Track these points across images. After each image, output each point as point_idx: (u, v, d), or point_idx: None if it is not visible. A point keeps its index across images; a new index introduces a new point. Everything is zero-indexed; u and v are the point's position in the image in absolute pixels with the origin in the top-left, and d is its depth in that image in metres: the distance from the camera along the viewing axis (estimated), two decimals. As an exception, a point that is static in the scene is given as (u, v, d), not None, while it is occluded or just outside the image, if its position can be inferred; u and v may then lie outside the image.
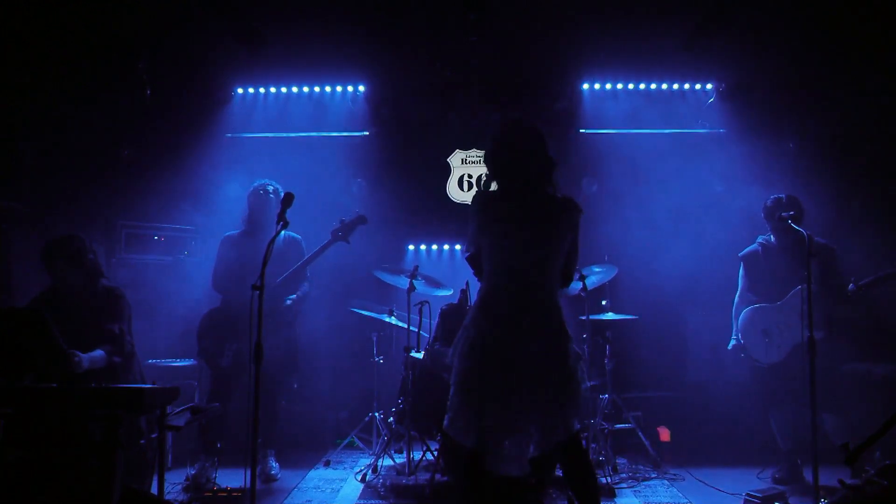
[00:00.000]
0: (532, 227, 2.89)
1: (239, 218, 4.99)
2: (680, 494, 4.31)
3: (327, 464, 5.11)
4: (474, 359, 2.82)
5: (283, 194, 4.76)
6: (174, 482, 4.39)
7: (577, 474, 2.87)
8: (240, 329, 4.48)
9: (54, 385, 3.09)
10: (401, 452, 5.07)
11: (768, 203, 4.60)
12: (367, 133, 6.54)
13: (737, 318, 4.77)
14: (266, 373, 3.45)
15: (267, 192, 4.80)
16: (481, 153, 6.59)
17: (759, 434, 4.88)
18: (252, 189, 4.87)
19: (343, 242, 4.77)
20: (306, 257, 4.67)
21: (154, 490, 3.46)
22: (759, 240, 4.73)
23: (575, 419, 2.83)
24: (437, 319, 4.65)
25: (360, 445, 5.43)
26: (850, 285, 4.33)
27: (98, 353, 3.67)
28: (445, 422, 2.86)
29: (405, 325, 5.01)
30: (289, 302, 4.61)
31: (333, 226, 4.66)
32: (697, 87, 6.43)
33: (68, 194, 5.78)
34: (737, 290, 4.83)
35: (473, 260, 3.05)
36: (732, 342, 4.76)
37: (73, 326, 3.67)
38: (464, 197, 6.54)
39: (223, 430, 4.60)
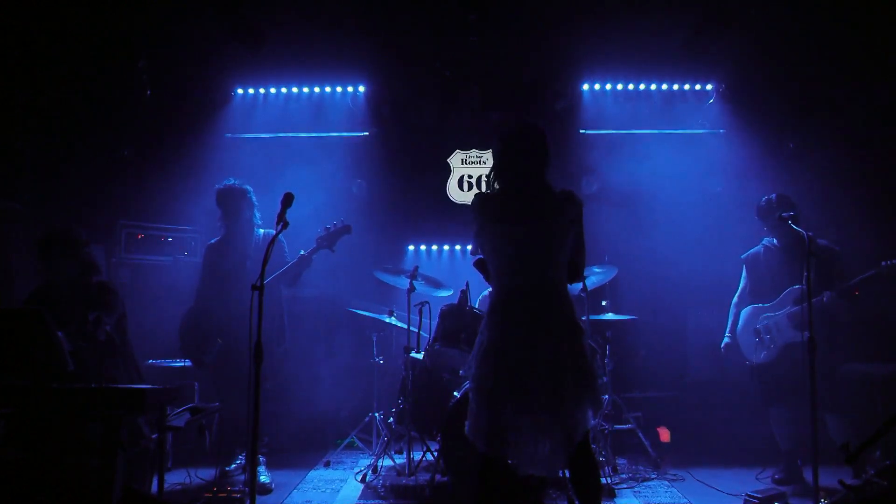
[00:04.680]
0: (533, 224, 2.87)
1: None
2: (680, 495, 4.31)
3: (327, 464, 5.11)
4: (489, 362, 2.81)
5: (249, 191, 4.79)
6: (174, 482, 4.39)
7: (581, 472, 2.86)
8: (223, 327, 4.48)
9: (54, 385, 3.09)
10: (401, 453, 5.07)
11: (761, 204, 4.61)
12: (367, 133, 6.54)
13: (732, 318, 4.79)
14: (243, 374, 3.40)
15: (231, 191, 4.72)
16: (481, 153, 6.59)
17: (759, 434, 4.88)
18: (216, 191, 4.77)
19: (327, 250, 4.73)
20: (290, 263, 4.60)
21: (154, 490, 3.46)
22: (764, 242, 4.72)
23: (592, 413, 2.82)
24: (437, 320, 4.64)
25: (360, 446, 5.43)
26: (826, 294, 4.30)
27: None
28: (466, 427, 2.85)
29: (405, 326, 5.00)
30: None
31: (318, 234, 4.63)
32: (697, 87, 6.44)
33: (68, 194, 5.79)
34: (737, 290, 4.86)
35: (481, 264, 3.04)
36: (725, 340, 4.80)
37: (62, 320, 3.67)
38: (464, 197, 6.54)
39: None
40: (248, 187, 4.78)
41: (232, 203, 4.71)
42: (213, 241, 4.90)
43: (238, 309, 3.60)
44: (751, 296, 4.73)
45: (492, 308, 2.91)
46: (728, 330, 4.80)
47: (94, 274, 4.06)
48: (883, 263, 4.17)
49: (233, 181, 4.76)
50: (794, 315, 4.41)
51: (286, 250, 4.74)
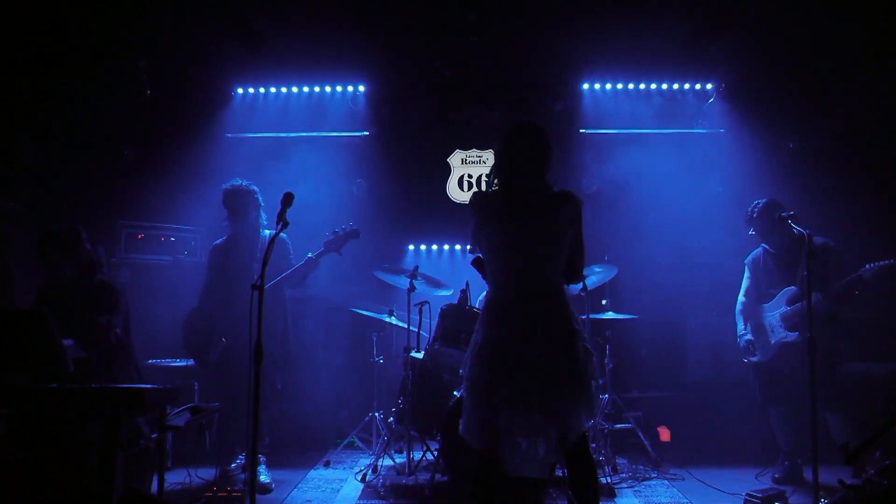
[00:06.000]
0: (531, 223, 2.86)
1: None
2: (680, 494, 4.31)
3: (327, 464, 5.11)
4: (483, 362, 2.80)
5: (256, 192, 4.78)
6: (174, 482, 4.39)
7: (580, 473, 2.85)
8: (228, 327, 4.47)
9: (54, 385, 3.09)
10: (401, 452, 5.07)
11: (749, 211, 4.62)
12: (367, 133, 6.53)
13: (742, 318, 4.76)
14: (246, 373, 3.39)
15: (238, 191, 4.72)
16: (481, 153, 6.59)
17: (759, 434, 4.89)
18: (222, 191, 4.76)
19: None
20: (295, 266, 4.60)
21: (154, 490, 3.46)
22: (763, 245, 4.73)
23: (586, 417, 2.82)
24: (437, 319, 4.64)
25: (360, 445, 5.43)
26: (814, 296, 4.28)
27: (67, 341, 3.63)
28: (460, 426, 2.85)
29: (405, 326, 5.00)
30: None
31: (326, 237, 4.64)
32: (697, 87, 6.43)
33: (68, 194, 5.79)
34: (739, 291, 4.86)
35: (479, 262, 3.04)
36: (747, 337, 4.69)
37: (66, 320, 3.68)
38: (464, 197, 6.53)
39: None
40: (255, 188, 4.78)
41: (239, 203, 4.71)
42: (218, 241, 4.90)
43: (244, 309, 3.61)
44: (754, 296, 4.74)
45: (487, 307, 2.90)
46: (742, 329, 4.73)
47: (97, 271, 4.06)
48: (868, 266, 4.18)
49: (240, 181, 4.76)
50: (787, 315, 4.45)
51: (291, 251, 4.74)
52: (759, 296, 4.70)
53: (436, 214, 6.52)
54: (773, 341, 4.51)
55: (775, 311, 4.53)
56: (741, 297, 4.81)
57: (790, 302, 4.45)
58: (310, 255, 4.59)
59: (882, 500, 3.08)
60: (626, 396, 5.44)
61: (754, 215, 4.57)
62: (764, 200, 4.55)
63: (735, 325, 4.81)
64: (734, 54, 5.83)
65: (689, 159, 6.22)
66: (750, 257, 4.80)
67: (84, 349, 3.75)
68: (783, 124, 6.10)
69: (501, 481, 2.81)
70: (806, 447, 3.94)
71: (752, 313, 4.68)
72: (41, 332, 3.28)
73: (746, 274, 4.81)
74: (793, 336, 4.38)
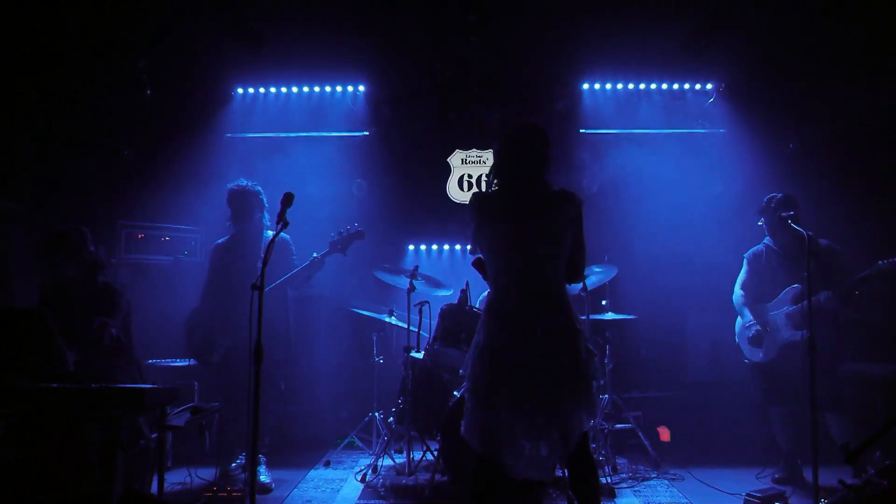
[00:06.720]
0: (531, 224, 2.85)
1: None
2: (680, 494, 4.31)
3: (327, 464, 5.11)
4: (485, 363, 2.80)
5: (261, 193, 4.78)
6: (174, 482, 4.39)
7: (580, 473, 2.85)
8: (230, 326, 4.47)
9: (54, 385, 3.09)
10: (401, 452, 5.07)
11: (764, 202, 4.61)
12: (367, 133, 6.54)
13: (747, 308, 4.66)
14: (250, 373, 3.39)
15: (243, 192, 4.72)
16: (481, 153, 6.59)
17: (759, 434, 4.89)
18: (228, 191, 4.77)
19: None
20: (299, 267, 4.60)
21: (154, 490, 3.46)
22: (765, 241, 4.73)
23: (587, 417, 2.81)
24: (437, 319, 4.64)
25: (360, 445, 5.43)
26: (824, 293, 4.29)
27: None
28: (462, 428, 2.85)
29: (405, 325, 5.00)
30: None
31: (331, 237, 4.65)
32: (697, 87, 6.44)
33: (68, 194, 5.80)
34: (735, 284, 4.82)
35: (479, 263, 3.03)
36: (756, 328, 4.61)
37: (70, 322, 3.69)
38: (464, 197, 6.53)
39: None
40: (260, 188, 4.78)
41: (244, 204, 4.71)
42: (220, 241, 4.89)
43: (247, 309, 3.62)
44: (752, 293, 4.71)
45: (488, 308, 2.90)
46: (750, 319, 4.63)
47: (99, 273, 4.08)
48: (880, 263, 4.16)
49: (245, 182, 4.76)
50: (792, 314, 4.43)
51: (294, 252, 4.75)
52: (758, 292, 4.68)
53: (436, 214, 6.52)
54: (778, 341, 4.48)
55: (780, 310, 4.51)
56: (738, 290, 4.75)
57: (795, 300, 4.44)
58: (315, 255, 4.60)
59: (882, 500, 3.08)
60: (626, 396, 5.44)
61: (772, 204, 4.51)
62: (780, 195, 4.51)
63: (736, 320, 4.78)
64: (734, 54, 5.83)
65: (689, 159, 6.23)
66: (751, 252, 4.78)
67: (77, 352, 3.76)
68: (783, 124, 6.10)
69: (502, 482, 2.81)
70: (806, 447, 3.94)
71: (756, 312, 4.67)
72: (41, 332, 3.28)
73: (745, 268, 4.77)
74: (799, 335, 4.34)
